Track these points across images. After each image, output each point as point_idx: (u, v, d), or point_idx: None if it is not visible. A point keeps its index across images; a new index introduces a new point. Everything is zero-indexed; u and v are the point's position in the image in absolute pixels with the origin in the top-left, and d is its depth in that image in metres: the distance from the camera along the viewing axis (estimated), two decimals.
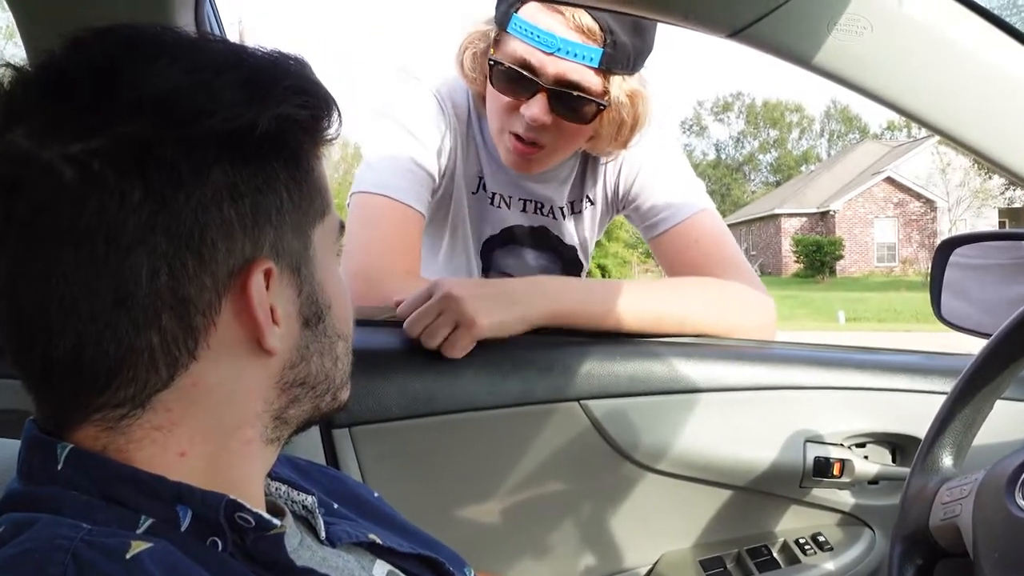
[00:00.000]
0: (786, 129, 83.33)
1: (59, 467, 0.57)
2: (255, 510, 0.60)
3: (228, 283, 0.58)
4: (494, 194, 1.61)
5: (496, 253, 1.65)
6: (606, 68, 1.35)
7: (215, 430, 0.60)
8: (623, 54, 1.35)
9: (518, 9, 1.35)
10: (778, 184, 68.17)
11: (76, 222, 0.54)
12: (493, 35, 1.42)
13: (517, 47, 1.36)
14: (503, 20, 1.38)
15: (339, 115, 0.65)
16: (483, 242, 1.65)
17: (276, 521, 0.61)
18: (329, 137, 0.65)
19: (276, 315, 0.60)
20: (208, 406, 0.60)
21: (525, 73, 1.36)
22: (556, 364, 1.21)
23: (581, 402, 1.21)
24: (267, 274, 0.59)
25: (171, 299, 0.56)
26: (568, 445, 1.22)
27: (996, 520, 0.77)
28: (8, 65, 0.59)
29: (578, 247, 1.72)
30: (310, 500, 0.73)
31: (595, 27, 1.32)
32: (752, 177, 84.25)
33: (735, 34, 0.84)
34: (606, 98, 1.39)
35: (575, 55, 1.33)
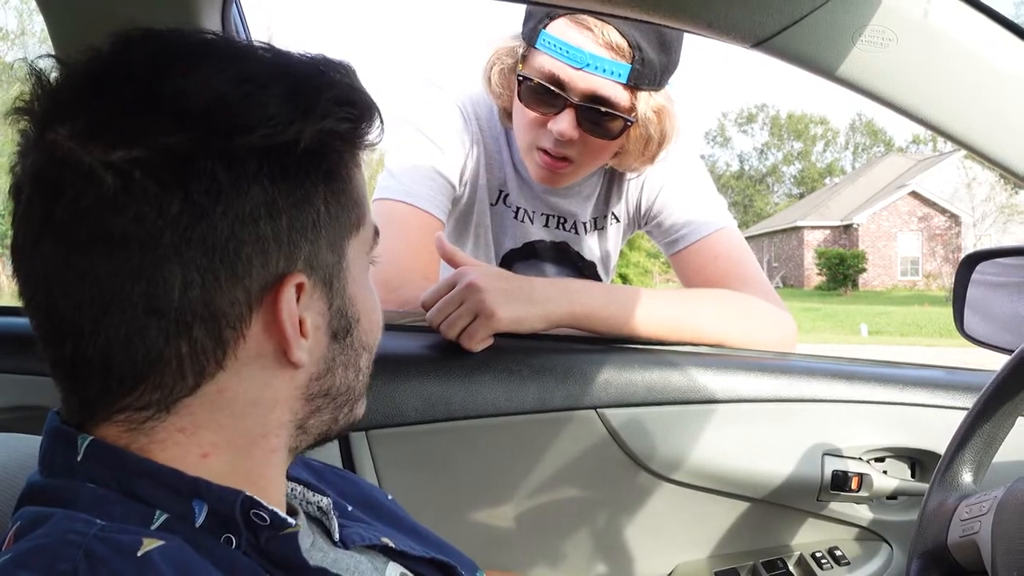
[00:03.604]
0: (810, 141, 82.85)
1: (79, 458, 0.58)
2: (271, 507, 0.60)
3: (261, 297, 0.58)
4: (518, 208, 1.62)
5: (516, 267, 1.66)
6: (634, 84, 1.36)
7: (240, 437, 0.61)
8: (650, 70, 1.35)
9: (546, 25, 1.36)
10: (801, 196, 67.80)
11: (113, 229, 0.54)
12: (521, 51, 1.43)
13: (546, 63, 1.36)
14: (531, 36, 1.39)
15: (381, 121, 0.65)
16: (503, 255, 1.66)
17: (291, 520, 0.61)
18: (369, 143, 0.65)
19: (305, 328, 0.61)
20: (233, 413, 0.60)
21: (553, 88, 1.37)
22: (574, 372, 1.21)
23: (598, 410, 1.21)
24: (299, 288, 0.60)
25: (203, 311, 0.56)
26: (584, 453, 1.22)
27: (1016, 538, 0.76)
28: (56, 59, 0.59)
29: (598, 262, 1.73)
30: (325, 502, 0.73)
31: (624, 43, 1.32)
32: (775, 189, 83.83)
33: (759, 44, 0.84)
34: (633, 114, 1.39)
35: (604, 71, 1.34)
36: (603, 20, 1.32)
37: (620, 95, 1.37)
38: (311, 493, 0.74)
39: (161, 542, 0.53)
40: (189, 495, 0.58)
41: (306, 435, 0.65)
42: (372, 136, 0.65)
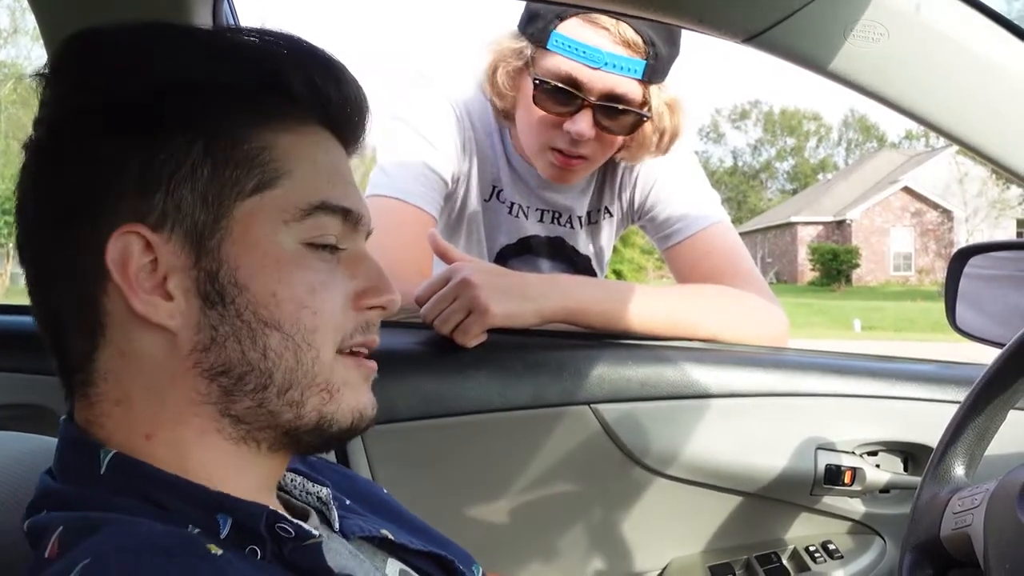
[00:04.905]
0: (803, 137, 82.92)
1: (101, 471, 0.58)
2: (296, 521, 0.61)
3: (103, 248, 0.59)
4: (512, 203, 1.62)
5: (511, 262, 1.66)
6: (648, 79, 1.36)
7: (162, 411, 0.61)
8: (662, 64, 1.37)
9: (557, 26, 1.35)
10: (795, 192, 67.89)
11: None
12: (529, 52, 1.41)
13: (561, 64, 1.36)
14: (541, 37, 1.38)
15: (307, 96, 0.65)
16: (498, 251, 1.66)
17: (315, 532, 0.61)
18: (275, 111, 0.64)
19: (167, 286, 0.60)
20: (141, 380, 0.61)
21: (570, 89, 1.37)
22: (567, 367, 1.21)
23: (592, 406, 1.21)
24: (146, 241, 0.59)
25: (58, 266, 0.61)
26: (578, 449, 1.22)
27: (1007, 530, 0.76)
28: None
29: (592, 257, 1.73)
30: (324, 492, 0.73)
31: (639, 40, 1.33)
32: (769, 185, 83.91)
33: (751, 39, 0.84)
34: (647, 108, 1.40)
35: (621, 68, 1.34)
36: (616, 18, 1.32)
37: (636, 91, 1.38)
38: (310, 484, 0.74)
39: (221, 549, 0.54)
40: (214, 508, 0.58)
41: (244, 424, 0.62)
42: (282, 105, 0.64)
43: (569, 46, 1.35)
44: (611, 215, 1.69)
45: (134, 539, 0.52)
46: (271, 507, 0.61)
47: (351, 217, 0.66)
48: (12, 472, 0.71)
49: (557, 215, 1.65)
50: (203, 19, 1.14)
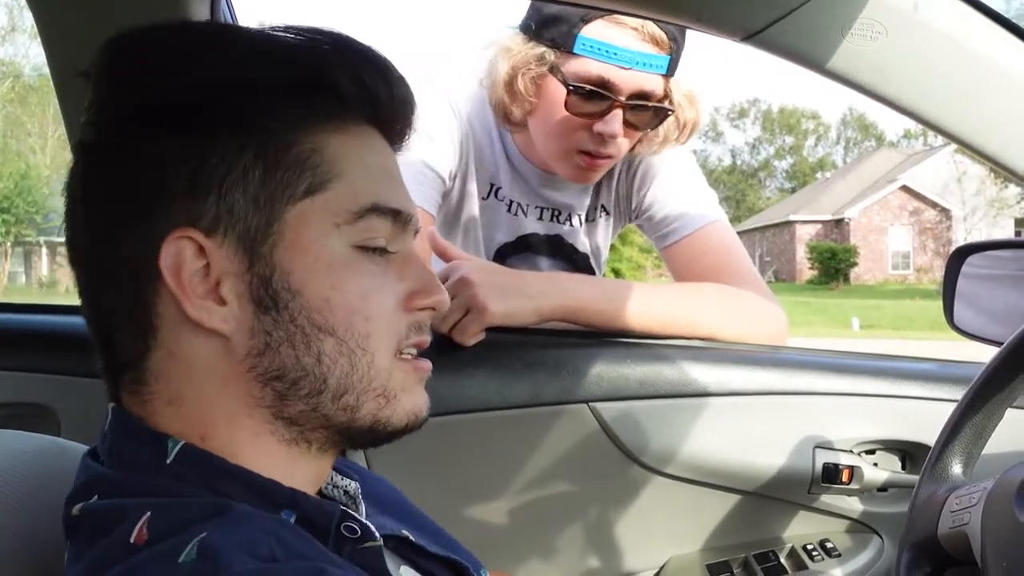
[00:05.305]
0: (802, 136, 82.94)
1: (168, 460, 0.58)
2: (364, 521, 0.62)
3: (157, 251, 0.58)
4: (512, 202, 1.61)
5: (509, 260, 1.66)
6: (670, 74, 1.38)
7: (215, 412, 0.61)
8: (680, 57, 1.38)
9: (581, 29, 1.35)
10: (793, 191, 67.88)
11: None
12: (552, 57, 1.39)
13: (592, 67, 1.35)
14: (566, 41, 1.36)
15: (356, 95, 0.64)
16: (496, 249, 1.66)
17: (377, 534, 0.62)
18: (329, 113, 0.63)
19: (221, 291, 0.59)
20: (193, 383, 0.60)
21: (602, 91, 1.36)
22: (566, 366, 1.21)
23: (590, 404, 1.21)
24: (199, 246, 0.59)
25: (113, 265, 0.60)
26: (577, 447, 1.22)
27: (1005, 529, 0.76)
28: None
29: (590, 255, 1.73)
30: (353, 486, 0.73)
31: (663, 36, 1.33)
32: (767, 183, 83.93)
33: (749, 38, 0.84)
34: (668, 102, 1.41)
35: (649, 66, 1.35)
36: (616, 16, 1.32)
37: (661, 87, 1.39)
38: (339, 477, 0.73)
39: None
40: (281, 504, 0.59)
41: (297, 427, 0.62)
42: (331, 106, 0.63)
43: (599, 48, 1.34)
44: (608, 213, 1.69)
45: (242, 522, 0.54)
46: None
47: (401, 218, 0.65)
48: (12, 471, 0.71)
49: (556, 213, 1.65)
50: (200, 17, 1.14)
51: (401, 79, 0.67)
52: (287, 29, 0.64)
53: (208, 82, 0.60)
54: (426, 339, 0.68)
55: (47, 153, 35.97)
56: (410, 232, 0.68)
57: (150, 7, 1.05)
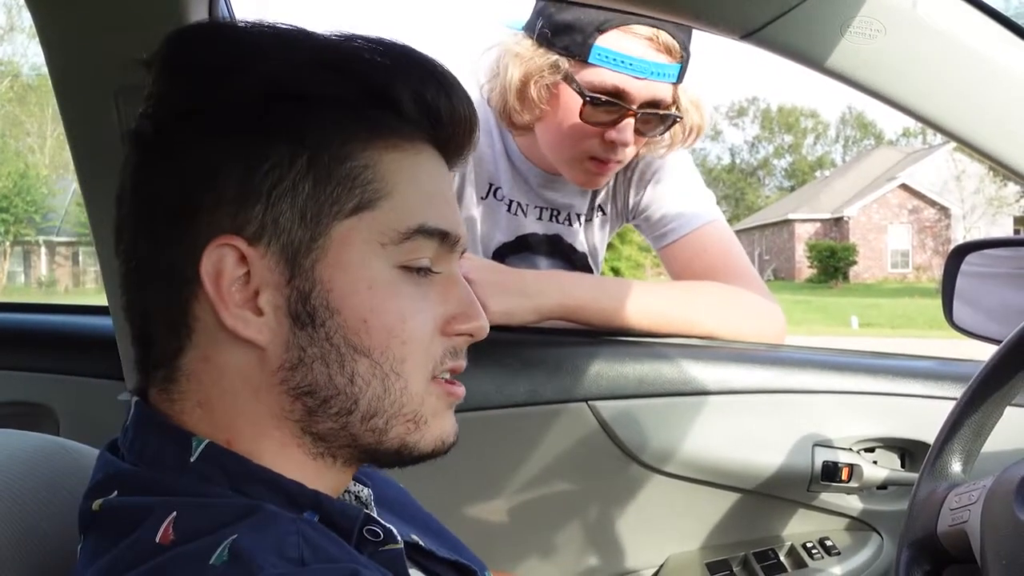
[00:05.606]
0: (801, 134, 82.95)
1: (192, 459, 0.58)
2: (386, 524, 0.61)
3: (199, 257, 0.58)
4: (511, 201, 1.62)
5: (509, 260, 1.66)
6: (680, 81, 1.38)
7: (243, 420, 0.60)
8: (688, 65, 1.38)
9: (597, 39, 1.35)
10: (792, 189, 67.90)
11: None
12: (566, 66, 1.39)
13: (607, 76, 1.35)
14: (581, 51, 1.37)
15: (420, 115, 0.62)
16: (495, 249, 1.66)
17: (398, 536, 0.62)
18: (387, 129, 0.61)
19: (259, 301, 0.59)
20: (224, 389, 0.60)
21: (617, 101, 1.37)
22: (565, 364, 1.21)
23: (589, 403, 1.21)
24: (241, 254, 0.58)
25: (152, 267, 0.60)
26: (576, 446, 1.22)
27: (1004, 526, 0.76)
28: None
29: (588, 255, 1.73)
30: (366, 492, 0.73)
31: (676, 45, 1.34)
32: (766, 182, 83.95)
33: (748, 36, 0.84)
34: (677, 108, 1.42)
35: (662, 75, 1.35)
36: (652, 24, 1.32)
37: (670, 94, 1.39)
38: (352, 483, 0.72)
39: None
40: (306, 505, 0.59)
41: (324, 443, 0.62)
42: (389, 121, 0.61)
43: (614, 59, 1.34)
44: (604, 213, 1.69)
45: (268, 522, 0.54)
46: None
47: (448, 240, 0.64)
48: (11, 470, 0.71)
49: (556, 213, 1.65)
50: (199, 16, 1.13)
51: (465, 98, 0.65)
52: (352, 38, 0.62)
53: (269, 86, 0.58)
54: (462, 364, 0.67)
55: (46, 153, 35.91)
56: (456, 253, 0.66)
57: (148, 7, 1.05)
